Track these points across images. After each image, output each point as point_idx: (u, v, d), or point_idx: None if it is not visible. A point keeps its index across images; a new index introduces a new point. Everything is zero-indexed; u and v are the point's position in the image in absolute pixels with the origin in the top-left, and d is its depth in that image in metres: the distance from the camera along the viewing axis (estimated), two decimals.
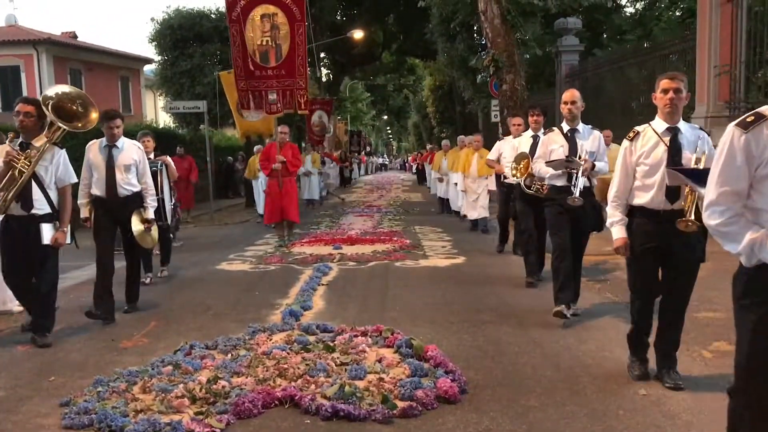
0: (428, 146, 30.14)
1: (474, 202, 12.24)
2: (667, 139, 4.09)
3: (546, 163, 5.84)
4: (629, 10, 21.48)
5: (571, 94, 5.81)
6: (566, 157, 5.66)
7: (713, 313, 5.72)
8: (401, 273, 8.42)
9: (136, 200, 6.41)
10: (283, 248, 10.56)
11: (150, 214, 6.48)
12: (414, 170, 37.89)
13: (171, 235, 10.62)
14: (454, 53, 18.18)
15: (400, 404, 3.85)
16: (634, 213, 4.21)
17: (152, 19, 21.38)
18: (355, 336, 5.24)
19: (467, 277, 8.04)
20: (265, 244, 11.33)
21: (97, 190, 6.26)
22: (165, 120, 26.64)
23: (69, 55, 27.61)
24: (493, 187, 11.39)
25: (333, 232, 12.76)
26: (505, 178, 8.83)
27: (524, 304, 6.46)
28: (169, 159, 8.50)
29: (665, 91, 4.06)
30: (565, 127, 5.84)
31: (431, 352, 4.65)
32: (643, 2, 20.50)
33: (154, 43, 21.30)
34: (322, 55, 31.82)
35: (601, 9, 17.80)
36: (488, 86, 17.22)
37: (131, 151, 6.37)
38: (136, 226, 6.33)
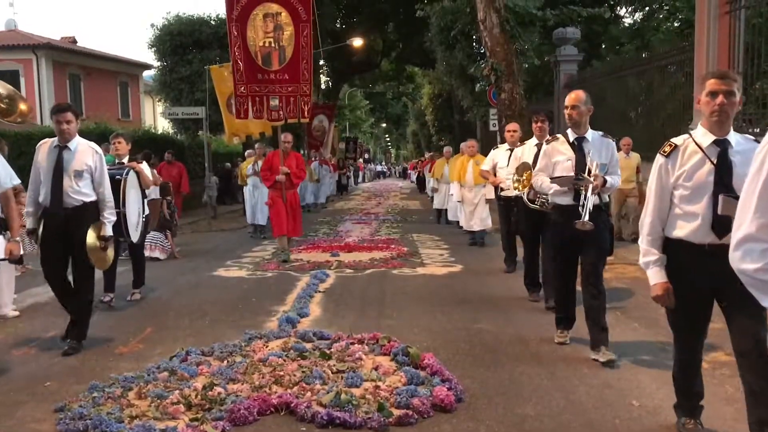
0: (427, 154, 30.08)
1: (471, 212, 11.49)
2: (714, 156, 3.26)
3: (551, 179, 5.09)
4: (627, 20, 21.62)
5: (574, 97, 4.99)
6: (576, 175, 4.88)
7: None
8: (398, 281, 8.41)
9: (89, 212, 5.43)
10: (286, 263, 9.82)
11: (107, 230, 5.51)
12: (413, 178, 37.93)
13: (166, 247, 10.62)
14: (453, 62, 18.24)
15: (396, 412, 3.84)
16: (670, 247, 3.39)
17: (152, 25, 21.50)
18: (352, 343, 5.23)
19: (464, 285, 8.03)
20: (262, 250, 11.32)
21: (43, 199, 5.39)
22: (164, 126, 26.66)
23: (68, 60, 27.65)
24: (491, 195, 10.96)
25: (330, 240, 12.75)
26: (502, 189, 8.13)
27: (521, 313, 6.46)
28: (141, 165, 7.34)
29: (713, 95, 3.25)
30: (571, 135, 5.04)
31: (428, 361, 4.64)
32: (641, 13, 20.62)
33: (153, 49, 21.36)
34: (322, 62, 31.91)
35: (600, 19, 17.89)
36: (487, 95, 17.27)
37: (85, 155, 5.42)
38: (90, 239, 5.38)
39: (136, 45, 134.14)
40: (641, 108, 12.90)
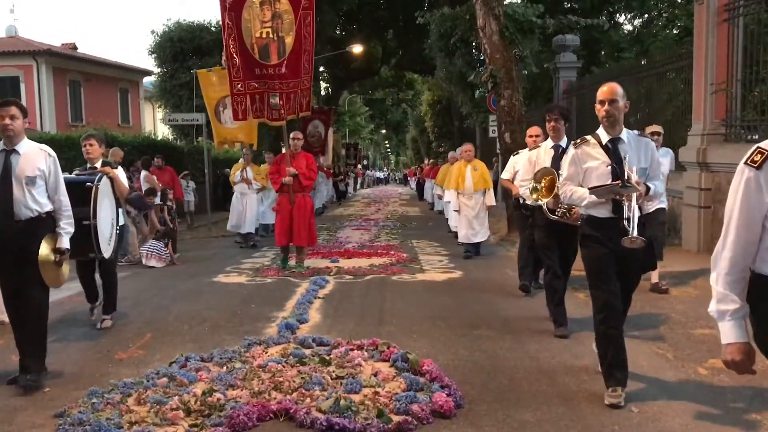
0: (429, 160, 29.96)
1: (470, 222, 10.71)
2: None
3: (590, 189, 4.22)
4: (627, 27, 21.73)
5: (609, 91, 4.21)
6: (623, 180, 4.08)
7: (709, 330, 5.72)
8: (398, 287, 8.41)
9: (45, 224, 4.76)
10: (293, 270, 9.43)
11: (63, 242, 4.81)
12: (413, 185, 37.97)
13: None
14: (452, 69, 18.29)
15: (396, 418, 3.83)
16: (759, 287, 2.42)
17: (152, 32, 21.54)
18: (351, 349, 5.23)
19: (464, 291, 8.04)
20: (261, 256, 11.32)
21: None
22: (164, 132, 26.71)
23: (68, 66, 27.73)
24: (491, 203, 10.78)
25: (330, 245, 12.75)
26: (523, 200, 7.17)
27: (521, 319, 6.46)
28: (115, 171, 6.44)
29: None
30: (603, 136, 4.30)
31: (427, 367, 4.64)
32: (640, 20, 20.73)
33: (153, 56, 21.44)
34: (321, 69, 31.99)
35: (599, 27, 17.99)
36: (486, 101, 17.33)
37: (36, 159, 4.73)
38: (43, 251, 4.70)
39: (136, 51, 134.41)
40: (640, 114, 12.93)
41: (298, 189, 9.51)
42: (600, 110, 4.24)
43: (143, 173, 12.21)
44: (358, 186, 45.71)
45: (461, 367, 4.94)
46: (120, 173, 6.57)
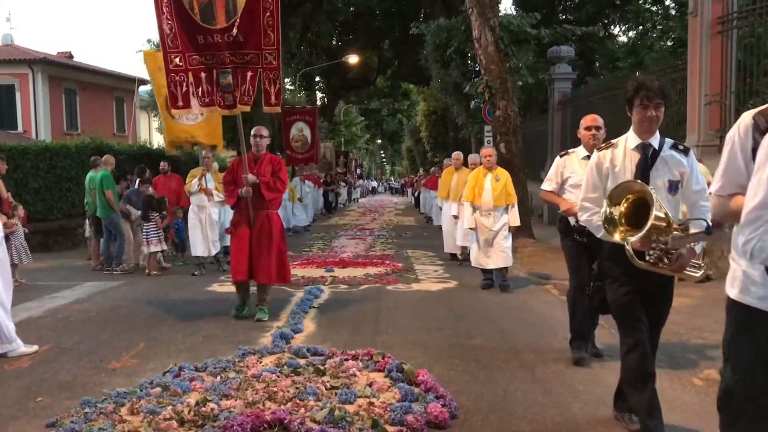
0: (432, 169, 29.89)
1: (488, 244, 8.70)
2: None
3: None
4: (621, 39, 21.88)
5: None
6: None
7: (703, 340, 5.73)
8: (393, 296, 8.40)
9: None
10: (257, 318, 6.97)
11: None
12: (413, 195, 37.96)
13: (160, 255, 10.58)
14: (448, 79, 18.37)
15: (390, 429, 3.82)
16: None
17: (148, 41, 21.56)
18: (346, 360, 5.22)
19: (459, 301, 8.03)
20: None
21: None
22: (159, 140, 26.70)
23: (64, 74, 27.71)
24: (515, 222, 8.75)
25: (325, 255, 12.75)
26: (577, 222, 4.69)
27: (516, 329, 6.45)
28: None
29: None
30: None
31: (422, 377, 4.63)
32: (635, 32, 20.88)
33: None
34: (317, 78, 32.13)
35: (594, 37, 18.11)
36: (481, 112, 17.38)
37: None
38: None
39: (132, 60, 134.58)
40: None
41: (259, 205, 7.09)
42: None
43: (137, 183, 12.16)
44: (353, 196, 44.61)
45: (456, 377, 4.93)
46: None
